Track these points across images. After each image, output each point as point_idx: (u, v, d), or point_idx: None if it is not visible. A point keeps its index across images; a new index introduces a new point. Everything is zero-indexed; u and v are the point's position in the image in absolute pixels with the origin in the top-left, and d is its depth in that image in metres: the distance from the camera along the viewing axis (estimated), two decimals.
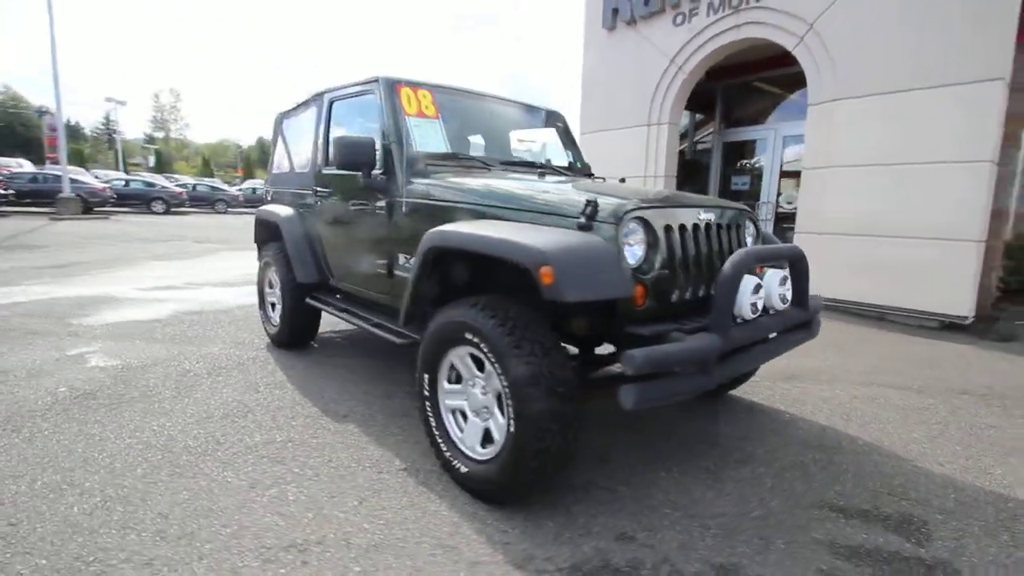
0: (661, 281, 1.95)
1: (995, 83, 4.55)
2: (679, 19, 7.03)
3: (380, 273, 2.78)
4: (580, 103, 8.64)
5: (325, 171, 3.25)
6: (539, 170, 3.17)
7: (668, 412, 2.94)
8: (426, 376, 2.18)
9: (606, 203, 1.89)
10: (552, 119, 3.66)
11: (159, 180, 24.58)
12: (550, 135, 3.68)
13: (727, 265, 1.89)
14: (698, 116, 8.91)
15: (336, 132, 3.26)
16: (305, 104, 3.67)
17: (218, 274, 7.12)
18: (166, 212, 21.45)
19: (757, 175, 7.89)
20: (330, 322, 4.38)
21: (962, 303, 4.91)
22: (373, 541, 1.76)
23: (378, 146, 2.69)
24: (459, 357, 2.06)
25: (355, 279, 3.08)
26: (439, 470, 2.21)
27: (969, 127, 4.70)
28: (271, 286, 3.97)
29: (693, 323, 1.98)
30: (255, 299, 5.35)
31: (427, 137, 2.79)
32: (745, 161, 8.28)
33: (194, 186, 26.43)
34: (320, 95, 3.38)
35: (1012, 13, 4.48)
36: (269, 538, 1.75)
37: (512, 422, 1.79)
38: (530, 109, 3.53)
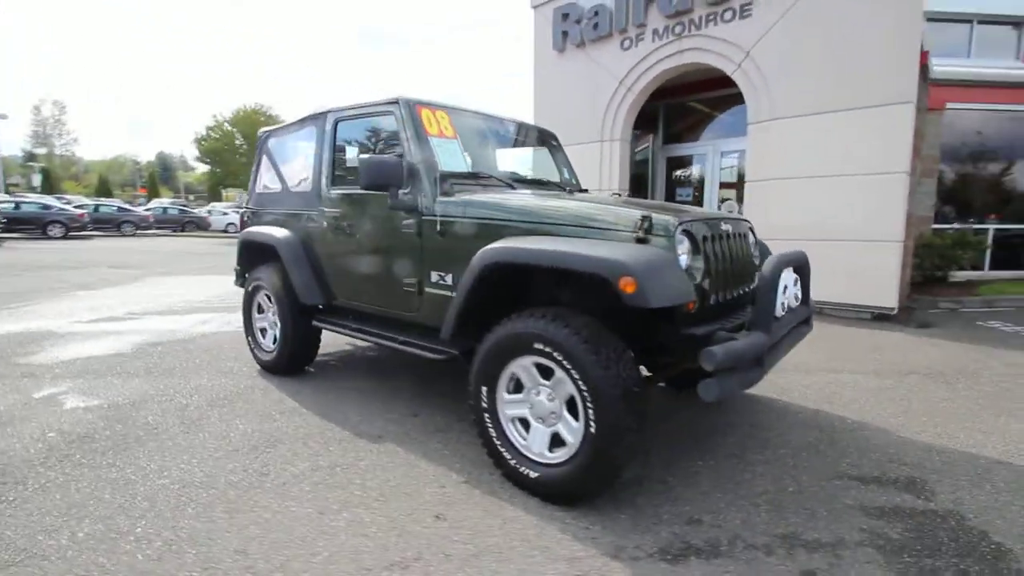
0: (705, 286, 2.16)
1: (906, 105, 5.32)
2: (626, 43, 7.53)
3: (408, 291, 2.79)
4: (533, 120, 8.94)
5: (334, 191, 3.21)
6: (549, 188, 3.34)
7: (678, 409, 3.17)
8: (484, 388, 2.25)
9: (659, 219, 2.07)
10: (546, 137, 3.84)
11: (52, 202, 22.13)
12: (543, 153, 3.86)
13: (766, 268, 2.14)
14: (636, 132, 9.52)
15: (344, 152, 3.24)
16: (300, 123, 3.59)
17: (156, 302, 6.61)
18: (65, 236, 19.36)
19: (699, 187, 8.56)
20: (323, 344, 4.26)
21: (889, 296, 5.64)
22: (469, 551, 1.80)
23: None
24: (523, 367, 2.15)
25: (372, 298, 3.06)
26: (500, 479, 2.27)
27: (886, 144, 5.45)
28: (261, 311, 3.81)
29: (728, 323, 2.21)
30: (216, 327, 5.11)
31: (448, 157, 2.86)
32: (686, 173, 8.94)
33: (96, 207, 24.07)
34: (322, 115, 3.34)
35: (915, 46, 5.29)
36: (366, 560, 1.74)
37: (592, 423, 1.91)
38: (527, 128, 3.69)
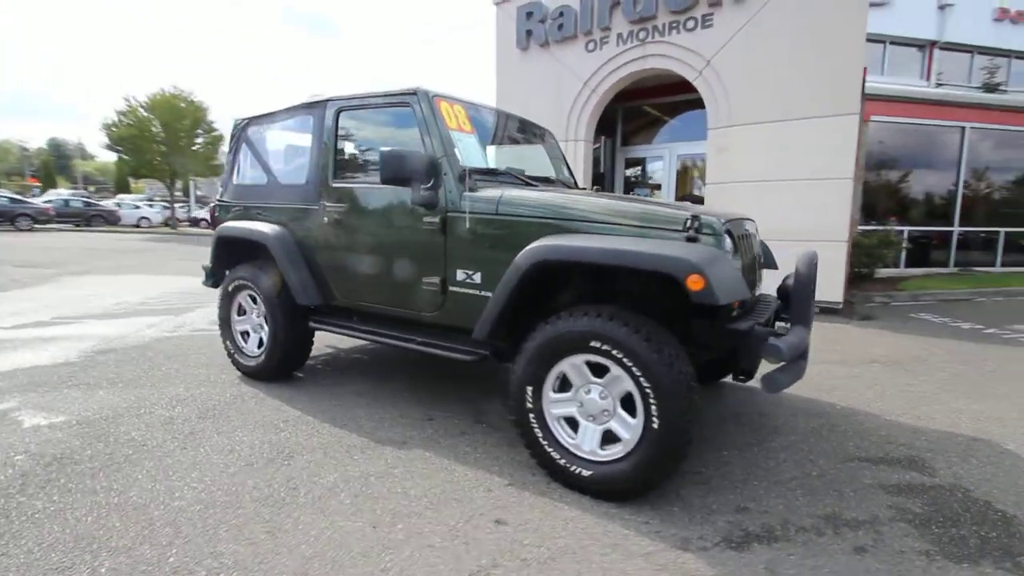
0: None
1: (851, 116, 5.82)
2: (591, 46, 7.67)
3: (430, 290, 2.69)
4: None
5: (337, 184, 3.02)
6: (556, 185, 3.33)
7: None
8: (529, 388, 2.21)
9: (707, 218, 2.13)
10: (545, 135, 3.83)
11: None
12: (538, 151, 3.84)
13: (802, 265, 2.25)
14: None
15: (347, 144, 3.06)
16: (289, 112, 3.35)
17: (86, 305, 5.94)
18: None
19: (656, 187, 8.89)
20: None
21: (836, 292, 6.14)
22: (544, 555, 1.77)
23: None
24: (573, 366, 2.14)
25: (383, 298, 2.91)
26: (545, 479, 2.24)
27: (835, 151, 5.93)
28: (242, 313, 3.52)
29: (760, 318, 2.31)
30: (167, 331, 4.76)
31: (468, 152, 2.78)
32: (637, 173, 9.26)
33: None
34: (319, 104, 3.13)
35: (860, 63, 5.79)
36: (443, 572, 1.66)
37: (655, 419, 1.93)
38: (528, 124, 3.66)
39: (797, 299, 2.23)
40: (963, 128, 9.75)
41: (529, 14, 8.11)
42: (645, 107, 8.95)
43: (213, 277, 3.82)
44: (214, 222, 3.81)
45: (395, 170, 2.50)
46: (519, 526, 1.93)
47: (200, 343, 4.37)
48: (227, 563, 1.68)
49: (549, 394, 2.21)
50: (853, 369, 4.08)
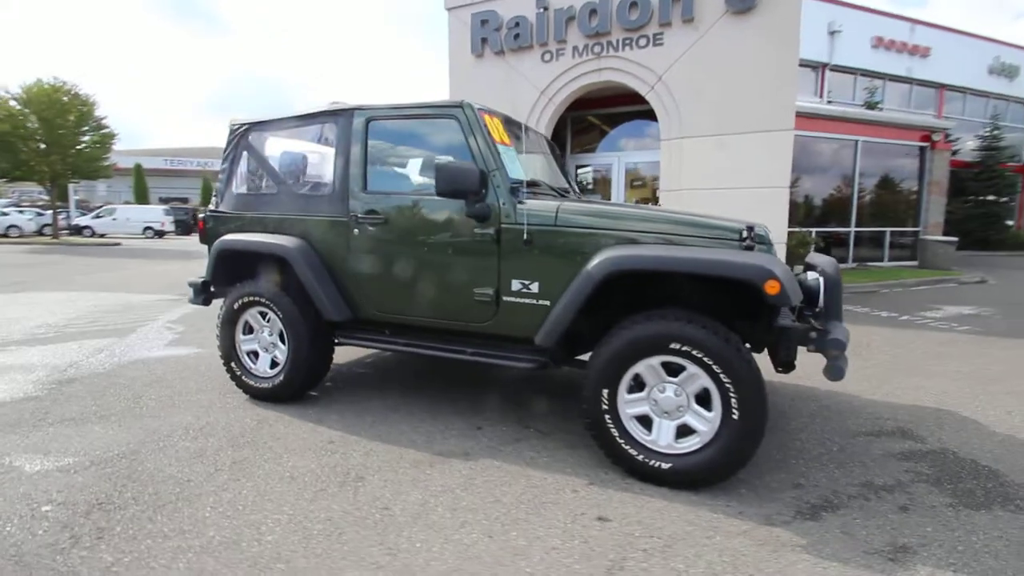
0: None
1: (787, 132, 6.55)
2: (547, 56, 7.92)
3: (482, 301, 2.72)
4: None
5: (369, 195, 2.94)
6: (569, 196, 3.48)
7: None
8: (605, 391, 2.34)
9: (759, 229, 2.38)
10: (544, 143, 3.97)
11: None
12: (540, 159, 3.98)
13: (828, 269, 2.57)
14: None
15: (380, 153, 3.00)
16: (303, 119, 3.21)
17: (3, 328, 5.21)
18: None
19: (606, 194, 9.34)
20: None
21: None
22: (659, 544, 1.90)
23: None
24: (649, 367, 2.29)
25: (427, 310, 2.89)
26: (621, 476, 2.38)
27: (773, 162, 6.63)
28: (249, 331, 3.30)
29: (790, 316, 2.62)
30: (126, 355, 4.41)
31: (510, 164, 2.85)
32: (588, 182, 9.69)
33: None
34: (343, 112, 3.03)
35: (794, 82, 6.53)
36: (582, 571, 1.74)
37: (735, 411, 2.14)
38: (532, 133, 3.78)
39: (830, 297, 2.55)
40: (856, 141, 11.24)
41: (484, 21, 8.20)
42: (591, 117, 9.38)
43: (204, 294, 3.54)
44: (205, 235, 3.53)
45: (451, 182, 2.52)
46: (622, 520, 2.05)
47: (175, 367, 4.01)
48: None
49: (624, 395, 2.35)
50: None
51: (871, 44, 15.39)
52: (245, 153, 3.40)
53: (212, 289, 3.50)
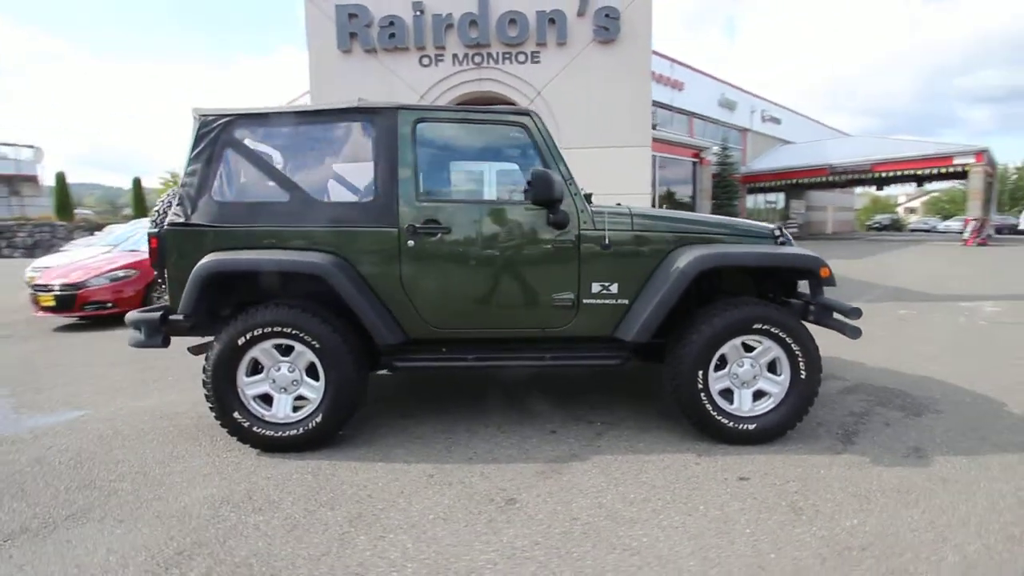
0: None
1: (646, 148, 7.79)
2: (425, 61, 7.84)
3: (562, 306, 2.77)
4: None
5: (427, 203, 2.70)
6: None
7: None
8: (700, 372, 2.68)
9: (785, 229, 3.00)
10: None
11: None
12: None
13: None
14: None
15: (432, 158, 2.78)
16: (321, 115, 2.74)
17: None
18: None
19: None
20: None
21: None
22: (798, 485, 2.32)
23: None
24: (733, 346, 2.71)
25: (500, 320, 2.79)
26: (706, 445, 2.73)
27: (636, 173, 7.82)
28: (257, 370, 2.70)
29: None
30: (58, 426, 3.32)
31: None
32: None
33: None
34: (382, 111, 2.70)
35: (648, 106, 7.80)
36: (802, 532, 2.03)
37: (803, 372, 2.70)
38: None
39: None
40: (654, 156, 13.73)
41: (352, 16, 7.69)
42: None
43: (162, 332, 2.75)
44: (159, 255, 2.73)
45: (546, 190, 2.56)
46: (759, 476, 2.40)
47: (136, 430, 3.00)
48: None
49: (712, 373, 2.72)
50: None
51: (718, 101, 19.26)
52: (229, 152, 2.73)
53: (185, 324, 2.73)
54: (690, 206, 15.85)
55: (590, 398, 3.50)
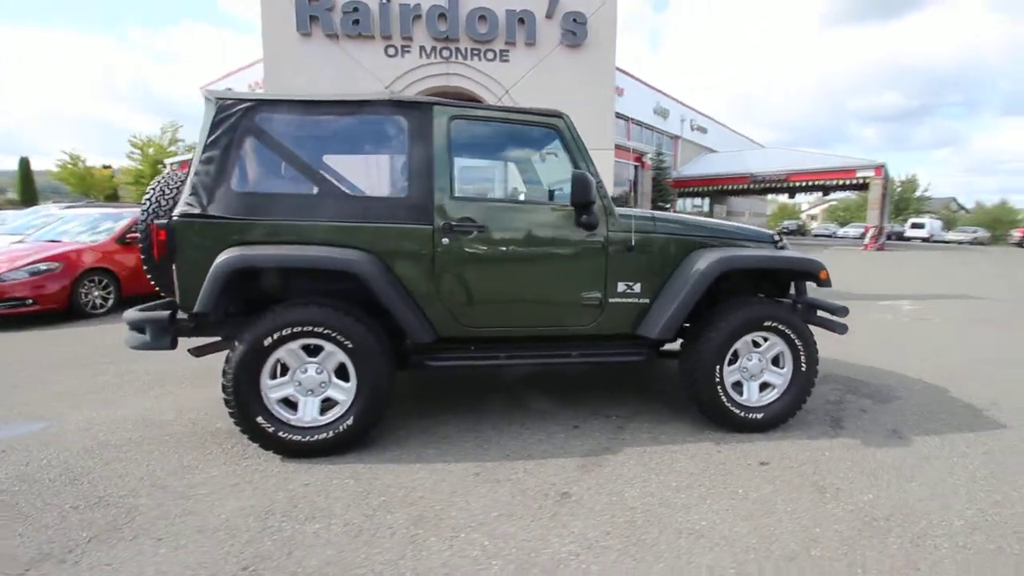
0: None
1: (609, 151, 8.06)
2: (391, 51, 7.63)
3: (590, 304, 2.86)
4: None
5: (462, 201, 2.68)
6: None
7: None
8: (718, 367, 2.88)
9: (783, 235, 3.27)
10: None
11: None
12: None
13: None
14: None
15: (464, 156, 2.75)
16: (350, 106, 2.63)
17: None
18: None
19: None
20: None
21: None
22: (813, 467, 2.56)
23: None
24: (744, 342, 2.93)
25: (530, 318, 2.83)
26: (719, 434, 2.93)
27: (602, 176, 8.06)
28: (282, 373, 2.57)
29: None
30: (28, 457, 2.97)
31: None
32: None
33: None
34: (416, 105, 2.63)
35: (611, 110, 8.07)
36: (833, 508, 2.26)
37: (803, 364, 2.97)
38: None
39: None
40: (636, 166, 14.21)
41: None
42: None
43: (170, 333, 2.54)
44: (169, 249, 2.50)
45: (585, 193, 2.65)
46: (778, 461, 2.63)
47: (125, 440, 2.70)
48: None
49: (726, 367, 2.93)
50: None
51: (653, 109, 19.96)
52: (250, 139, 2.56)
53: (191, 323, 2.53)
54: (630, 206, 16.64)
55: (595, 394, 3.62)
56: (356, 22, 7.51)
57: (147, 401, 3.46)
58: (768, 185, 25.09)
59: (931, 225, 33.06)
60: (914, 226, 33.31)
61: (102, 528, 1.99)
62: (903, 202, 43.00)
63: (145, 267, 2.87)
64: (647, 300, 2.95)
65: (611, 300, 2.91)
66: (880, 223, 20.94)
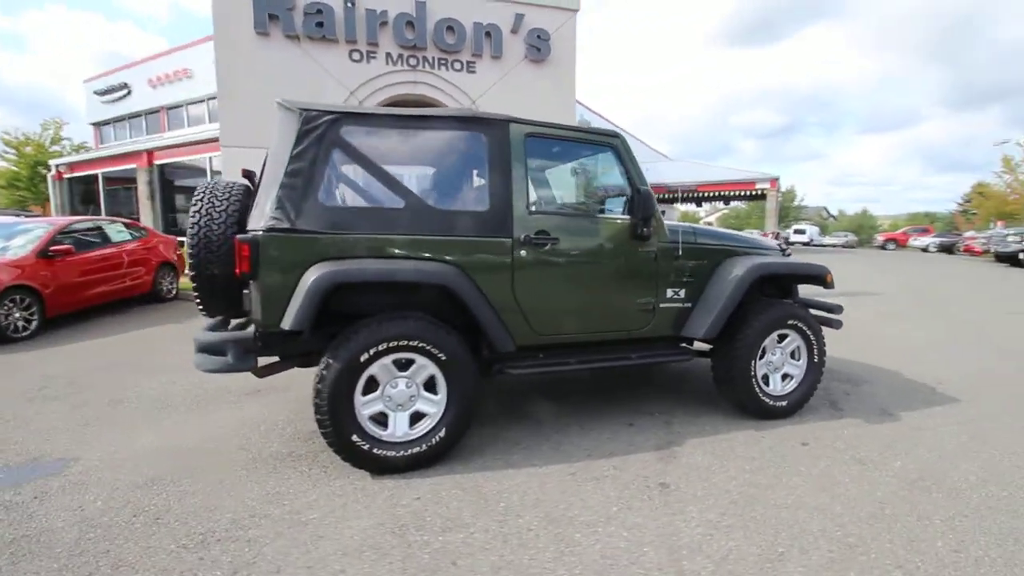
0: None
1: None
2: (356, 55, 7.44)
3: (644, 310, 3.11)
4: (218, 109, 7.08)
5: (538, 215, 2.80)
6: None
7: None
8: (753, 361, 3.25)
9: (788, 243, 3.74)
10: None
11: None
12: None
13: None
14: None
15: (535, 171, 2.88)
16: (433, 121, 2.65)
17: None
18: None
19: None
20: None
21: None
22: (845, 444, 2.99)
23: None
24: (771, 339, 3.33)
25: (595, 325, 3.02)
26: (741, 419, 3.31)
27: None
28: (373, 388, 2.54)
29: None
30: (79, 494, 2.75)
31: None
32: None
33: None
34: (493, 122, 2.72)
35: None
36: (898, 491, 2.66)
37: (816, 359, 3.44)
38: None
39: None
40: None
41: None
42: None
43: (254, 354, 2.43)
44: (254, 265, 2.37)
45: (648, 207, 2.91)
46: (816, 442, 3.03)
47: (179, 472, 2.47)
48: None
49: (757, 362, 3.32)
50: None
51: None
52: (337, 152, 2.51)
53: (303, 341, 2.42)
54: None
55: (626, 394, 3.87)
56: (319, 24, 7.23)
57: (168, 428, 3.18)
58: (680, 195, 27.21)
59: (811, 231, 37.59)
60: (796, 232, 37.67)
61: (237, 565, 1.88)
62: (784, 210, 48.45)
63: (195, 284, 2.69)
64: (689, 304, 3.26)
65: (661, 305, 3.18)
66: (776, 229, 23.60)
